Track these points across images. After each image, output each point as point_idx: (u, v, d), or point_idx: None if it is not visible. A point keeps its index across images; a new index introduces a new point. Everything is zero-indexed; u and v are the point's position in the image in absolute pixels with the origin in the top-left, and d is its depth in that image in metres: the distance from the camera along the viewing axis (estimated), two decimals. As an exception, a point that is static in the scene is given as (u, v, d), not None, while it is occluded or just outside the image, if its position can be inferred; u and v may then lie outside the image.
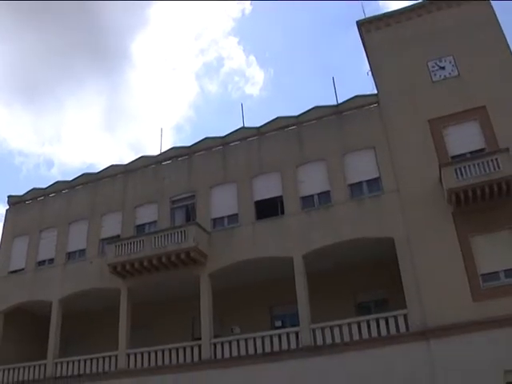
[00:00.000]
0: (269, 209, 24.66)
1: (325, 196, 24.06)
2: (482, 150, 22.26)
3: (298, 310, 22.31)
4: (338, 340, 21.44)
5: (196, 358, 23.56)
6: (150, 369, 24.20)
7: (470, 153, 22.37)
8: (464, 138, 22.68)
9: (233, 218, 25.39)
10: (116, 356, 25.24)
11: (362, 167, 23.94)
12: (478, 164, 21.06)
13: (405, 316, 20.82)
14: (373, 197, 23.23)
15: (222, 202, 25.89)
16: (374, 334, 21.05)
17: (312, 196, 24.29)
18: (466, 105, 23.09)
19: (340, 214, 23.15)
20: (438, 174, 21.89)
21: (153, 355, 24.48)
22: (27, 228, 30.82)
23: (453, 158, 22.47)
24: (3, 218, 32.38)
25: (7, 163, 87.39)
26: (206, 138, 28.01)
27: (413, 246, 21.43)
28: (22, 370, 27.40)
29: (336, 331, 21.61)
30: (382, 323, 21.08)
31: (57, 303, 27.62)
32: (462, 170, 21.10)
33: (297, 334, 22.19)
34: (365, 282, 23.80)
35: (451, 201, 21.11)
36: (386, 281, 22.80)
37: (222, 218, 25.67)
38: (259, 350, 22.51)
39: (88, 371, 25.58)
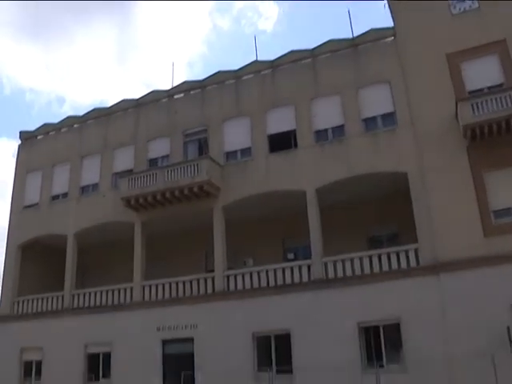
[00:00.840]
0: (282, 142, 24.75)
1: (339, 130, 24.03)
2: (500, 85, 21.88)
3: (311, 243, 22.82)
4: (349, 273, 22.01)
5: (209, 290, 24.36)
6: (165, 301, 25.14)
7: (488, 88, 22.06)
8: (482, 73, 22.30)
9: (246, 151, 25.55)
10: (131, 288, 26.19)
11: (376, 101, 23.76)
12: (495, 99, 20.81)
13: (416, 250, 21.20)
14: (387, 131, 23.20)
15: (235, 135, 25.99)
16: (386, 267, 21.51)
17: (326, 130, 24.26)
18: (485, 38, 22.48)
19: (354, 148, 23.21)
20: (454, 109, 21.74)
21: (167, 287, 25.37)
22: (40, 163, 31.35)
23: (470, 93, 22.17)
24: (16, 154, 32.88)
25: (18, 100, 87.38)
26: (218, 72, 27.81)
27: (426, 180, 21.57)
28: (40, 301, 28.70)
29: (348, 264, 22.14)
30: (394, 257, 21.53)
31: (72, 237, 28.50)
32: (479, 104, 20.92)
33: (309, 266, 22.77)
34: (377, 216, 24.20)
35: (466, 136, 21.07)
36: (398, 215, 23.10)
37: (235, 151, 25.84)
38: (272, 283, 23.18)
39: (104, 303, 26.71)
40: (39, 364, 27.75)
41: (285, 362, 21.89)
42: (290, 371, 21.49)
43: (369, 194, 23.85)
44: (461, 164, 21.25)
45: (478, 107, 20.90)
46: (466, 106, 21.13)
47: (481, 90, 22.13)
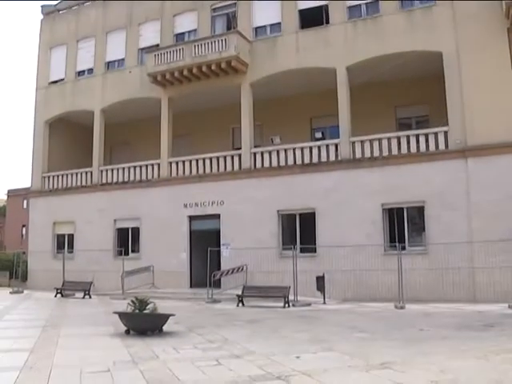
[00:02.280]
0: (313, 18, 24.19)
1: (373, 6, 23.29)
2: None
3: (339, 122, 22.99)
4: (377, 154, 22.27)
5: (236, 167, 25.02)
6: (191, 177, 25.97)
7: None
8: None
9: (275, 26, 25.11)
10: (158, 165, 27.00)
11: (414, -25, 22.88)
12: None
13: (445, 133, 21.20)
14: (424, 8, 22.41)
15: (265, 10, 25.38)
16: (414, 149, 21.70)
17: (359, 5, 23.55)
18: None
19: (388, 25, 22.63)
20: (497, -17, 20.83)
21: (194, 164, 26.10)
22: (64, 38, 31.28)
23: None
24: (39, 29, 32.62)
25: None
26: None
27: (462, 61, 21.07)
28: (69, 177, 29.95)
29: (375, 145, 22.37)
30: (422, 139, 21.64)
31: (99, 112, 29.06)
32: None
33: (336, 146, 23.10)
34: (408, 97, 24.07)
35: (509, 16, 20.17)
36: (430, 97, 23.02)
37: (264, 26, 25.41)
38: (298, 161, 23.67)
39: (132, 179, 27.73)
40: (71, 237, 29.43)
41: (308, 241, 22.75)
42: (314, 250, 22.36)
43: (401, 75, 23.58)
44: (499, 46, 20.51)
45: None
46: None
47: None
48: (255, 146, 25.01)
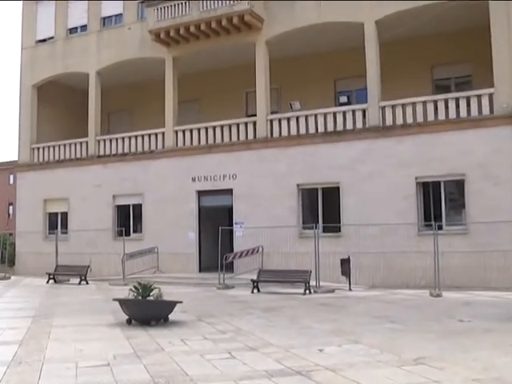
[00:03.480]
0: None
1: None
2: None
3: (367, 84, 22.79)
4: (410, 120, 22.06)
5: (250, 137, 24.93)
6: (200, 148, 25.94)
7: None
8: None
9: (294, -25, 24.76)
10: (163, 134, 27.01)
11: None
12: None
13: (490, 96, 20.85)
14: None
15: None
16: (453, 115, 21.45)
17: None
18: None
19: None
20: None
21: (203, 133, 26.03)
22: (51, -11, 31.12)
23: None
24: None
25: None
26: None
27: None
28: (62, 148, 30.09)
29: (408, 110, 22.15)
30: (463, 104, 21.33)
31: (94, 75, 29.06)
32: None
33: (364, 111, 22.94)
34: (446, 55, 23.74)
35: None
36: (472, 54, 22.66)
37: (282, -25, 25.09)
38: (321, 129, 23.51)
39: (133, 150, 27.77)
40: (64, 216, 29.66)
41: (332, 219, 22.69)
42: (338, 229, 22.35)
43: (438, 28, 23.24)
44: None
45: None
46: None
47: None
48: (272, 113, 24.85)
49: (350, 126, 23.02)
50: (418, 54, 24.02)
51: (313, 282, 19.63)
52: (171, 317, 12.52)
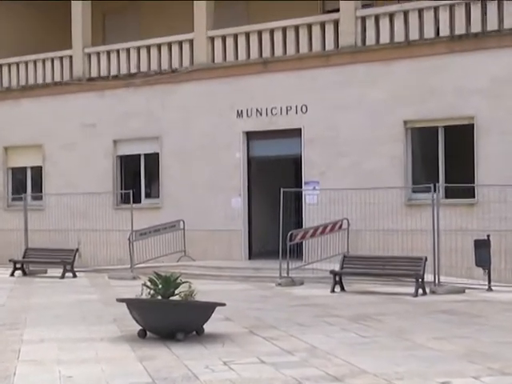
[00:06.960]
0: None
1: None
2: None
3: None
4: None
5: (330, 45, 24.54)
6: (249, 63, 26.05)
7: None
8: None
9: None
10: (191, 42, 26.78)
11: None
12: None
13: None
14: None
15: None
16: None
17: None
18: None
19: None
20: None
21: (253, 40, 25.81)
22: None
23: None
24: None
25: None
26: None
27: None
28: (31, 67, 30.39)
29: None
30: None
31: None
32: None
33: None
34: None
35: None
36: None
37: None
38: (444, 31, 22.82)
39: (144, 69, 27.78)
40: (37, 173, 29.90)
41: (455, 177, 22.47)
42: (471, 193, 22.36)
43: None
44: None
45: None
46: None
47: None
48: (363, 6, 24.23)
49: (490, 25, 22.02)
50: None
51: (429, 277, 19.54)
52: (208, 327, 12.59)
